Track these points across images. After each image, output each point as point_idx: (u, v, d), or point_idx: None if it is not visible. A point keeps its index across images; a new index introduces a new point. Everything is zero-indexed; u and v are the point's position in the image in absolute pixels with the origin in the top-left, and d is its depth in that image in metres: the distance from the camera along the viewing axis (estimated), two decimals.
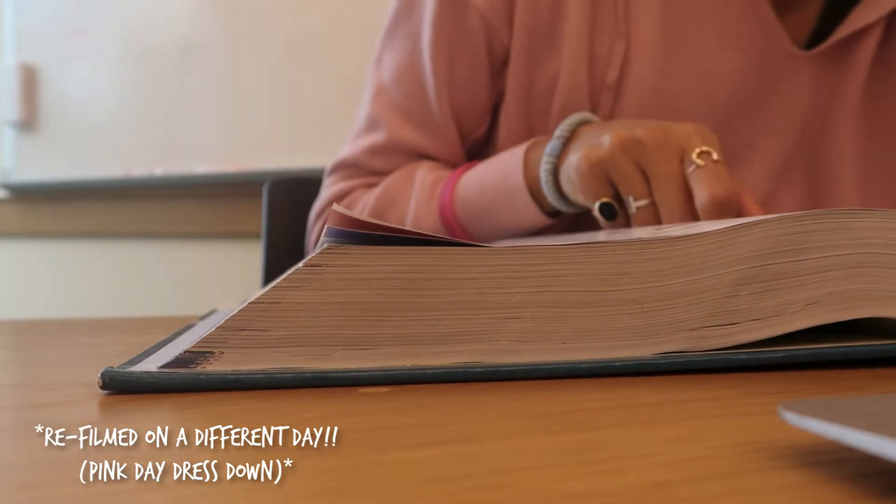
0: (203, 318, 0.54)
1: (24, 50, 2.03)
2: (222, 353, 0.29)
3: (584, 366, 0.30)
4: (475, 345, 0.30)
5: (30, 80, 2.02)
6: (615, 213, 0.52)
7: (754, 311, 0.32)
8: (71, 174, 1.96)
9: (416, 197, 0.65)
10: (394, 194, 0.67)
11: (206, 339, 0.29)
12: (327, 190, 0.73)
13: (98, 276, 1.97)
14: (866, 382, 0.29)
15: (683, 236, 0.31)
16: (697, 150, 0.50)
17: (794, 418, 0.18)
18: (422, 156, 0.70)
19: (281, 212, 1.05)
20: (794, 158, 0.67)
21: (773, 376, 0.30)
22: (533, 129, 0.67)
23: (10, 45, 2.04)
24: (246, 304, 0.30)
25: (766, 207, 0.66)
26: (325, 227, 0.30)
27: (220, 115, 1.82)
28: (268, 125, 1.77)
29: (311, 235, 0.75)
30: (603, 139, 0.52)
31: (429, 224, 0.64)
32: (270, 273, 1.02)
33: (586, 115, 0.59)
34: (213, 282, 1.85)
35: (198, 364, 0.28)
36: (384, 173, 0.70)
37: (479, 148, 0.73)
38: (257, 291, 0.31)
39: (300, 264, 0.30)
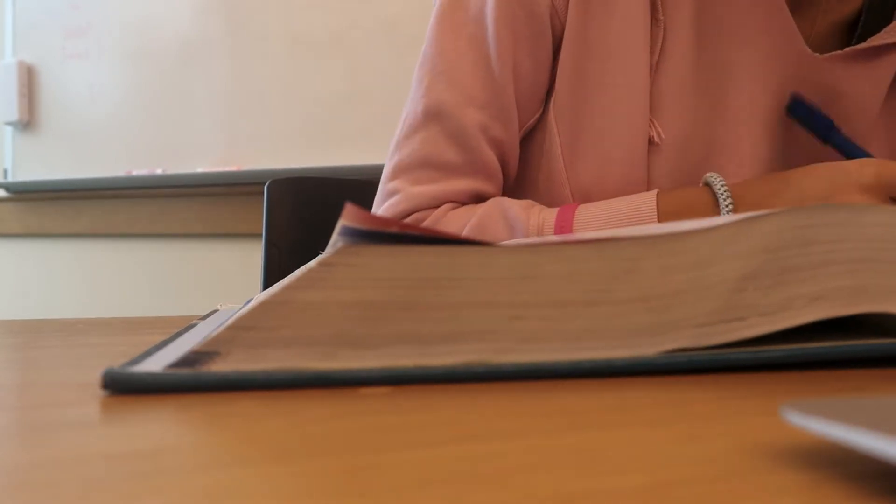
0: (205, 317, 0.54)
1: (23, 49, 2.03)
2: (229, 352, 0.29)
3: (586, 365, 0.30)
4: (480, 344, 0.30)
5: (29, 80, 2.02)
6: None
7: (761, 307, 0.31)
8: (71, 174, 1.96)
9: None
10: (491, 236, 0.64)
11: (213, 339, 0.29)
12: (398, 199, 0.68)
13: (98, 276, 1.97)
14: (868, 382, 0.29)
15: (693, 231, 0.31)
16: None
17: (796, 418, 0.18)
18: (489, 139, 0.67)
19: (281, 212, 1.05)
20: (806, 159, 0.69)
21: (773, 376, 0.30)
22: (583, 114, 0.67)
23: (9, 45, 2.04)
24: (255, 303, 0.30)
25: None
26: (338, 224, 0.30)
27: (220, 115, 1.82)
28: (268, 125, 1.77)
29: None
30: None
31: None
32: (270, 273, 1.02)
33: (724, 189, 0.58)
34: (214, 282, 1.85)
35: (204, 364, 0.28)
36: (462, 166, 0.67)
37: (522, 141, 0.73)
38: (266, 291, 0.31)
39: (312, 263, 0.30)
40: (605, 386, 0.29)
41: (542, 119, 0.71)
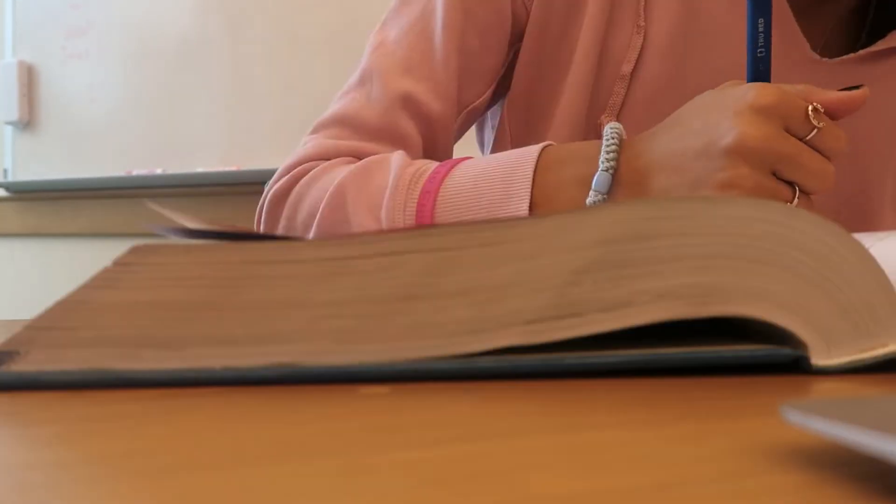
0: None
1: (23, 49, 2.03)
2: (28, 352, 0.28)
3: (402, 367, 0.28)
4: (292, 345, 0.28)
5: (29, 80, 2.02)
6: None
7: (599, 302, 0.29)
8: (71, 174, 1.96)
9: (391, 187, 0.57)
10: (364, 180, 0.59)
11: (12, 339, 0.28)
12: (305, 147, 0.66)
13: None
14: (868, 383, 0.29)
15: (518, 219, 0.30)
16: (811, 111, 0.46)
17: (796, 418, 0.18)
18: (416, 111, 0.65)
19: None
20: None
21: (773, 377, 0.30)
22: (534, 121, 0.67)
23: (9, 45, 2.04)
24: (54, 303, 0.29)
25: None
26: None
27: (220, 115, 1.82)
28: (268, 125, 1.77)
29: (272, 196, 0.65)
30: (708, 164, 0.47)
31: (401, 222, 0.56)
32: None
33: (613, 134, 0.52)
34: None
35: (3, 363, 0.28)
36: (376, 131, 0.64)
37: (476, 128, 0.72)
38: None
39: (110, 263, 0.29)
40: (605, 386, 0.29)
41: (493, 107, 0.71)
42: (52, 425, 0.23)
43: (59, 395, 0.27)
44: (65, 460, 0.19)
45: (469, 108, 0.68)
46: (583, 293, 0.29)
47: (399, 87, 0.64)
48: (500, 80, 0.69)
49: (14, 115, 2.00)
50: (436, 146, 0.67)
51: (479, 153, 0.76)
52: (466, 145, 0.88)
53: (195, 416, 0.24)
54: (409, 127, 0.65)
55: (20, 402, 0.26)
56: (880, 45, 0.63)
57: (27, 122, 2.02)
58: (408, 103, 0.64)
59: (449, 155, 0.68)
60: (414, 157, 0.63)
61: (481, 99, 0.68)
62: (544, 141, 0.66)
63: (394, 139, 0.64)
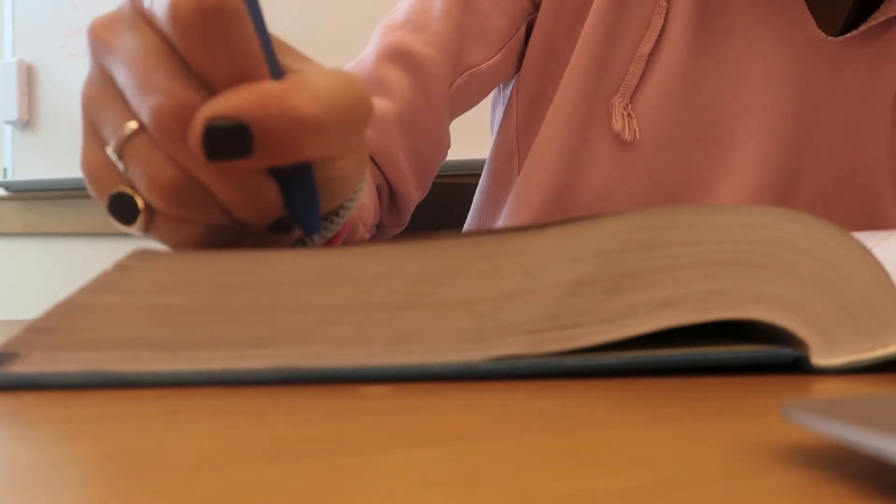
0: None
1: (23, 49, 2.03)
2: (28, 354, 0.28)
3: (398, 370, 0.29)
4: (291, 348, 0.29)
5: (29, 79, 2.02)
6: (132, 208, 0.31)
7: (600, 313, 0.29)
8: (70, 173, 1.95)
9: None
10: None
11: (12, 340, 0.29)
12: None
13: None
14: (868, 382, 0.29)
15: (519, 233, 0.30)
16: None
17: (797, 417, 0.18)
18: (404, 59, 0.63)
19: None
20: (816, 148, 0.64)
21: (773, 377, 0.30)
22: (538, 102, 0.66)
23: (8, 44, 2.04)
24: (53, 305, 0.29)
25: (785, 198, 0.64)
26: None
27: None
28: None
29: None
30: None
31: None
32: None
33: None
34: None
35: (3, 364, 0.28)
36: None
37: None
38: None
39: (110, 266, 0.29)
40: (605, 386, 0.29)
41: (505, 87, 0.70)
42: (52, 425, 0.23)
43: (59, 396, 0.27)
44: (65, 460, 0.19)
45: (473, 70, 0.65)
46: (583, 304, 0.29)
47: (389, 39, 0.63)
48: (515, 53, 0.68)
49: (14, 114, 2.00)
50: (429, 96, 0.64)
51: (490, 133, 0.75)
52: (471, 135, 0.86)
53: (195, 416, 0.24)
54: (392, 76, 0.62)
55: (20, 402, 0.26)
56: (877, 18, 0.62)
57: (27, 121, 2.02)
58: (394, 53, 0.62)
59: (443, 107, 0.65)
60: (398, 105, 0.62)
61: (488, 63, 0.66)
62: (545, 122, 0.65)
63: (377, 89, 0.62)
